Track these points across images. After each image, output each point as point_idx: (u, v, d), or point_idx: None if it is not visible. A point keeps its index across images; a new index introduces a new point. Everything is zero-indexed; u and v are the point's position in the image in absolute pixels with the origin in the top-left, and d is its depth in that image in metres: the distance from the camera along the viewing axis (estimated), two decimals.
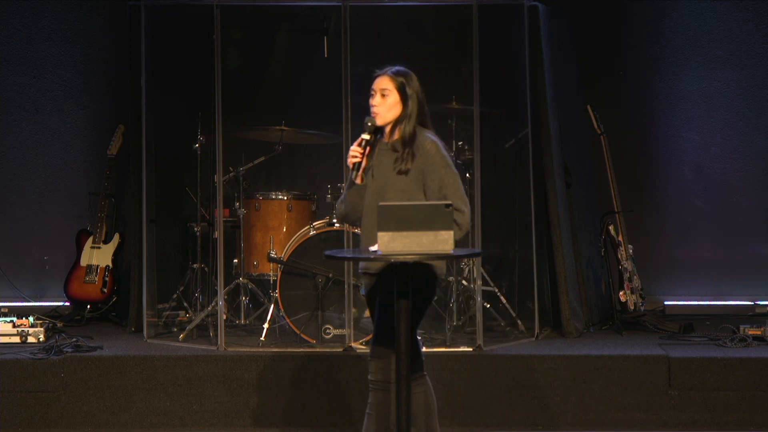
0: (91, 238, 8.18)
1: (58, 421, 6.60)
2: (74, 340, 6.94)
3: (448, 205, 4.74)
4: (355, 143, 5.09)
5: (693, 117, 8.51)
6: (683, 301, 8.43)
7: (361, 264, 5.17)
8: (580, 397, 6.57)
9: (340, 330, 7.00)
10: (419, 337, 6.92)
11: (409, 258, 4.73)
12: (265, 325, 7.09)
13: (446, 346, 6.93)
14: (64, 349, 6.77)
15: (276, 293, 7.15)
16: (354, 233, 6.85)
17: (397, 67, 5.14)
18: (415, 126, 5.07)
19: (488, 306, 7.38)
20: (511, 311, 7.48)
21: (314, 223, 7.20)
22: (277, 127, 7.54)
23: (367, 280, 5.17)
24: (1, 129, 8.56)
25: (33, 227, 8.60)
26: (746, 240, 8.51)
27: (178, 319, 7.72)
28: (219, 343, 6.91)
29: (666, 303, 8.38)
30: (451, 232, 4.71)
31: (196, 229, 7.68)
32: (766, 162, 8.48)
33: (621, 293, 7.65)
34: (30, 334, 7.12)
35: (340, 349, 6.83)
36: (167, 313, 7.72)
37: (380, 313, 5.04)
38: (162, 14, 7.43)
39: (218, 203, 7.18)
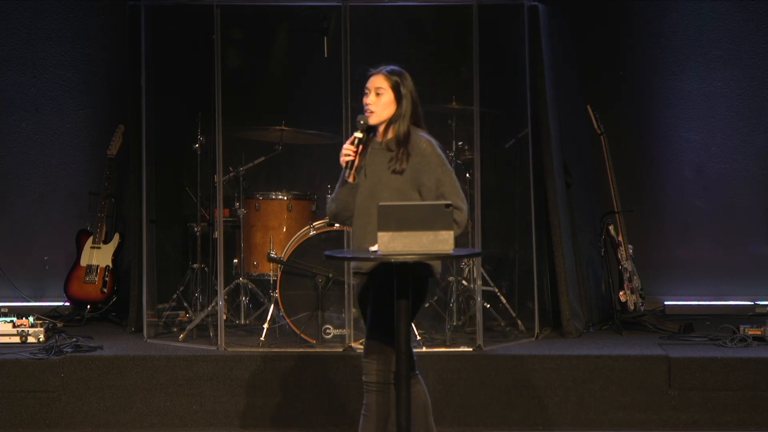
0: (91, 238, 8.18)
1: (58, 421, 6.60)
2: (74, 340, 6.94)
3: (448, 205, 4.74)
4: (348, 141, 5.08)
5: (693, 117, 8.51)
6: (683, 301, 8.43)
7: (353, 263, 5.17)
8: (580, 397, 6.57)
9: (340, 330, 7.00)
10: (418, 337, 6.93)
11: (409, 258, 4.73)
12: (265, 325, 7.09)
13: (446, 346, 6.93)
14: (64, 349, 6.77)
15: (276, 293, 7.15)
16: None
17: (392, 66, 5.14)
18: (409, 125, 5.07)
19: (488, 306, 7.38)
20: (511, 311, 7.48)
21: (314, 223, 7.20)
22: (277, 127, 7.54)
23: (358, 279, 5.16)
24: (1, 129, 8.56)
25: (33, 227, 8.60)
26: (746, 240, 8.51)
27: (178, 319, 7.72)
28: (219, 343, 6.91)
29: (666, 303, 8.38)
30: (452, 232, 4.71)
31: (196, 229, 7.68)
32: (766, 162, 8.48)
33: (621, 293, 7.65)
34: (30, 334, 7.12)
35: (340, 349, 6.83)
36: (167, 313, 7.72)
37: (373, 313, 5.03)
38: (162, 14, 7.43)
39: (218, 203, 7.18)
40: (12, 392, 6.59)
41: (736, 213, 8.51)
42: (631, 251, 7.76)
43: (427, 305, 7.54)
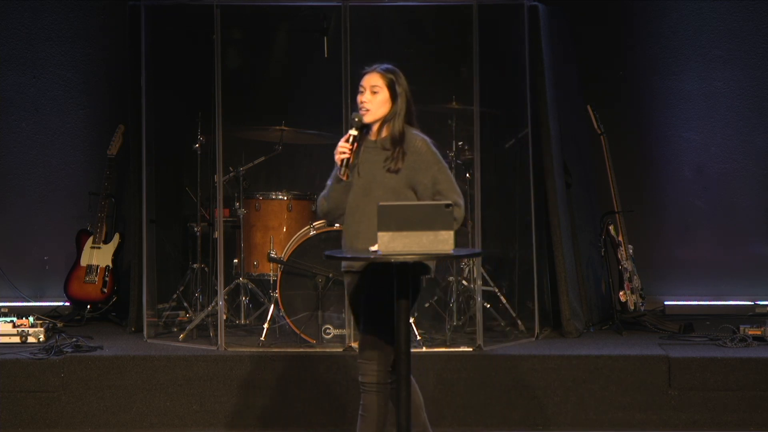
0: (91, 238, 8.18)
1: (58, 421, 6.60)
2: (74, 340, 6.94)
3: (448, 205, 4.74)
4: (343, 139, 5.07)
5: (693, 117, 8.51)
6: (683, 301, 8.43)
7: (343, 262, 5.16)
8: (580, 397, 6.57)
9: (340, 330, 7.00)
10: (418, 337, 6.93)
11: (409, 258, 4.72)
12: (265, 325, 7.09)
13: (446, 346, 6.92)
14: (64, 349, 6.77)
15: (276, 293, 7.15)
16: None
17: (386, 65, 5.14)
18: (403, 124, 5.08)
19: (488, 306, 7.37)
20: (511, 311, 7.48)
21: (314, 223, 7.20)
22: (277, 127, 7.54)
23: (349, 278, 5.15)
24: (1, 129, 8.56)
25: (33, 227, 8.60)
26: (746, 240, 8.51)
27: (178, 319, 7.72)
28: (219, 343, 6.91)
29: (666, 303, 8.38)
30: (452, 232, 4.71)
31: (196, 229, 7.68)
32: (766, 162, 8.48)
33: (621, 293, 7.65)
34: (30, 334, 7.12)
35: (340, 349, 6.83)
36: (167, 313, 7.72)
37: (368, 313, 5.01)
38: (162, 14, 7.43)
39: (218, 203, 7.18)
40: (12, 392, 6.59)
41: (736, 213, 8.51)
42: (631, 251, 7.76)
43: (427, 305, 7.56)
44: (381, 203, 4.75)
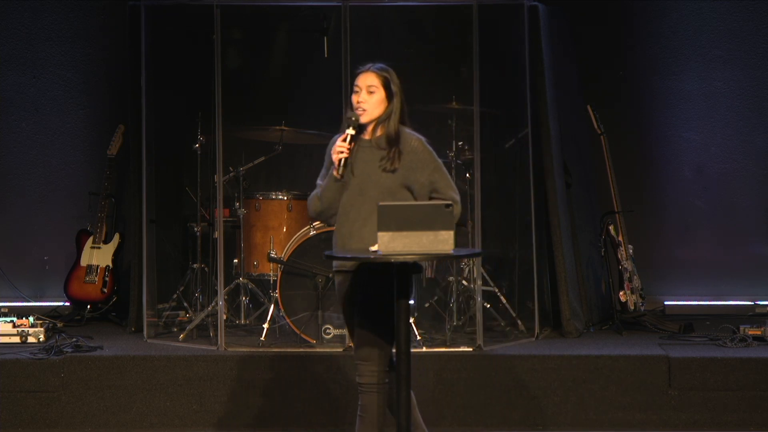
0: (91, 238, 8.18)
1: (58, 421, 6.60)
2: (74, 340, 6.94)
3: (448, 205, 4.74)
4: (340, 138, 5.06)
5: (693, 117, 8.51)
6: (683, 301, 8.43)
7: (335, 262, 5.16)
8: (580, 397, 6.57)
9: (340, 330, 7.00)
10: (418, 337, 6.93)
11: (409, 258, 4.72)
12: (265, 325, 7.09)
13: (446, 346, 6.92)
14: (64, 349, 6.77)
15: (276, 293, 7.15)
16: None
17: (380, 64, 5.13)
18: (398, 123, 5.08)
19: (488, 306, 7.37)
20: (511, 311, 7.48)
21: (314, 223, 7.20)
22: (277, 127, 7.54)
23: (340, 278, 5.14)
24: (1, 129, 8.56)
25: (33, 227, 8.60)
26: (746, 240, 8.51)
27: (178, 319, 7.72)
28: (219, 343, 6.91)
29: (666, 303, 8.38)
30: (452, 232, 4.71)
31: (196, 229, 7.68)
32: (766, 162, 8.48)
33: (621, 293, 7.65)
34: (30, 334, 7.12)
35: (340, 349, 6.83)
36: (167, 313, 7.72)
37: (364, 313, 5.00)
38: (162, 14, 7.43)
39: (218, 203, 7.18)
40: (12, 392, 6.59)
41: (736, 213, 8.51)
42: (631, 251, 7.76)
43: (427, 305, 7.56)
44: (381, 203, 4.75)
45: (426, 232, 4.69)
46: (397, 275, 4.82)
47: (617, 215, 7.80)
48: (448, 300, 7.45)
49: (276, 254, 7.27)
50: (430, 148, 5.09)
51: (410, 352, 4.87)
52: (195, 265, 7.69)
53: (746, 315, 8.15)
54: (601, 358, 6.64)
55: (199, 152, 7.61)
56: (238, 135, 7.60)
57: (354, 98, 5.09)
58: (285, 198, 7.49)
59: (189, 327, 7.30)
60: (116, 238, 8.20)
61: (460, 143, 7.55)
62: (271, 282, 7.39)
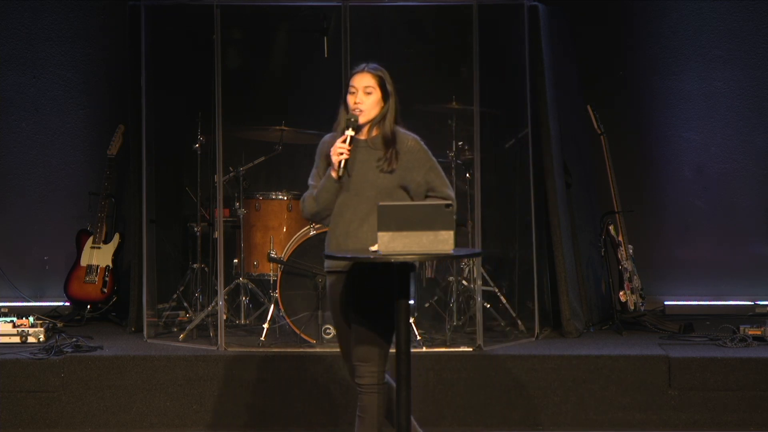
0: (91, 238, 8.18)
1: (58, 421, 6.60)
2: (74, 340, 6.94)
3: (448, 205, 4.74)
4: (339, 140, 5.04)
5: (693, 117, 8.51)
6: (683, 301, 8.43)
7: (326, 262, 5.15)
8: (580, 397, 6.57)
9: None
10: (418, 337, 6.93)
11: (409, 258, 4.72)
12: (265, 325, 7.09)
13: (446, 346, 6.92)
14: (64, 349, 6.77)
15: (276, 293, 7.15)
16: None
17: (374, 64, 5.13)
18: (393, 123, 5.08)
19: (488, 306, 7.37)
20: (511, 311, 7.48)
21: (314, 224, 7.20)
22: (277, 127, 7.54)
23: (333, 278, 5.12)
24: (1, 129, 8.56)
25: (33, 227, 8.60)
26: (746, 240, 8.51)
27: (178, 319, 7.72)
28: (219, 343, 6.91)
29: (666, 303, 8.38)
30: (452, 232, 4.71)
31: (196, 229, 7.68)
32: (766, 162, 8.48)
33: (621, 293, 7.65)
34: (30, 334, 7.12)
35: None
36: (167, 313, 7.72)
37: (361, 315, 4.98)
38: (162, 14, 7.43)
39: (218, 203, 7.18)
40: (12, 392, 6.59)
41: (736, 213, 8.50)
42: (631, 251, 7.76)
43: (427, 305, 7.56)
44: (381, 203, 4.75)
45: (426, 232, 4.69)
46: (397, 275, 4.82)
47: (617, 215, 7.80)
48: (448, 300, 7.45)
49: (276, 254, 7.27)
50: (426, 147, 5.10)
51: (410, 352, 4.87)
52: (195, 265, 7.69)
53: (746, 315, 8.15)
54: (601, 358, 6.64)
55: (199, 152, 7.61)
56: (238, 135, 7.59)
57: (351, 99, 5.08)
58: (285, 198, 7.49)
59: (189, 327, 7.30)
60: (116, 238, 8.20)
61: (460, 143, 7.55)
62: (271, 282, 7.38)
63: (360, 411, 5.04)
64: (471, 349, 6.84)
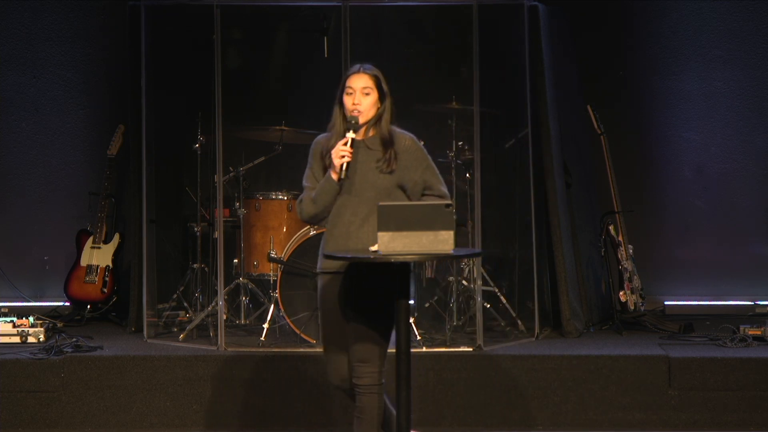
0: (91, 238, 8.18)
1: (58, 421, 6.60)
2: (74, 340, 6.94)
3: (448, 205, 4.74)
4: (341, 143, 5.03)
5: (693, 117, 8.51)
6: (683, 301, 8.43)
7: (319, 263, 5.15)
8: (580, 397, 6.57)
9: None
10: (418, 337, 6.93)
11: (409, 258, 4.72)
12: (265, 325, 7.09)
13: (446, 346, 6.92)
14: (64, 349, 6.77)
15: (276, 293, 7.15)
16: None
17: (368, 65, 5.13)
18: (389, 123, 5.09)
19: (488, 306, 7.37)
20: (511, 311, 7.48)
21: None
22: (277, 127, 7.54)
23: (326, 279, 5.11)
24: (1, 129, 8.56)
25: (33, 227, 8.60)
26: (746, 240, 8.51)
27: (178, 319, 7.72)
28: (219, 343, 6.91)
29: (666, 303, 8.38)
30: (452, 232, 4.71)
31: (196, 229, 7.68)
32: (766, 162, 8.48)
33: (621, 293, 7.65)
34: (30, 334, 7.12)
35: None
36: (167, 313, 7.72)
37: (359, 315, 4.99)
38: (162, 14, 7.43)
39: (218, 203, 7.18)
40: (12, 392, 6.59)
41: (736, 213, 8.50)
42: (631, 251, 7.76)
43: (427, 305, 7.56)
44: (381, 203, 4.75)
45: (426, 232, 4.69)
46: (397, 275, 4.82)
47: (617, 215, 7.80)
48: (448, 300, 7.45)
49: (276, 254, 7.27)
50: (421, 145, 5.11)
51: (410, 352, 4.88)
52: (195, 265, 7.69)
53: (746, 315, 8.15)
54: (601, 358, 6.64)
55: (199, 152, 7.61)
56: (238, 135, 7.59)
57: (349, 100, 5.06)
58: (285, 198, 7.49)
59: (189, 327, 7.30)
60: (116, 238, 8.20)
61: (460, 143, 7.55)
62: (271, 282, 7.39)
63: (358, 412, 5.04)
64: (471, 349, 6.84)
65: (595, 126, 7.85)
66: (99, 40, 8.55)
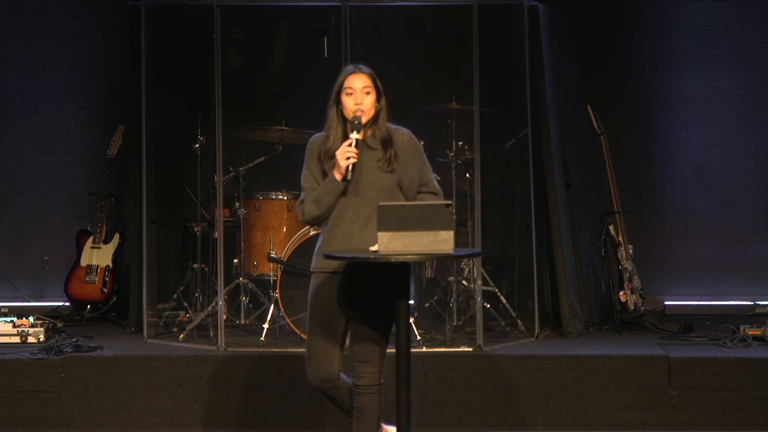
0: (91, 238, 8.18)
1: (58, 421, 6.60)
2: (74, 340, 6.94)
3: (448, 205, 4.74)
4: (346, 144, 5.01)
5: (693, 117, 8.51)
6: (683, 301, 8.43)
7: (315, 263, 5.14)
8: (580, 397, 6.57)
9: None
10: (418, 337, 6.93)
11: (409, 258, 4.72)
12: (265, 325, 7.09)
13: (446, 346, 6.92)
14: (64, 349, 6.77)
15: (276, 293, 7.15)
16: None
17: (363, 65, 5.13)
18: (386, 122, 5.09)
19: (488, 306, 7.37)
20: (511, 311, 7.48)
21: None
22: (277, 127, 7.54)
23: (322, 279, 5.11)
24: (1, 129, 8.56)
25: (33, 227, 8.60)
26: (746, 240, 8.51)
27: (178, 319, 7.72)
28: (219, 343, 6.91)
29: (666, 303, 8.38)
30: (452, 232, 4.71)
31: (196, 229, 7.68)
32: (766, 162, 8.48)
33: (621, 293, 7.65)
34: (30, 334, 7.12)
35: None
36: (167, 313, 7.72)
37: (358, 315, 4.99)
38: (162, 14, 7.43)
39: (218, 203, 7.18)
40: (12, 392, 6.59)
41: (736, 213, 8.50)
42: (631, 251, 7.76)
43: (427, 305, 7.56)
44: (381, 203, 4.75)
45: (426, 232, 4.69)
46: (397, 275, 4.82)
47: (617, 215, 7.80)
48: (448, 300, 7.45)
49: (276, 254, 7.27)
50: (417, 140, 5.12)
51: (410, 352, 4.88)
52: (195, 265, 7.69)
53: (746, 315, 8.15)
54: (601, 358, 6.64)
55: (199, 152, 7.61)
56: (238, 135, 7.59)
57: (350, 100, 5.04)
58: (285, 198, 7.49)
59: (189, 327, 7.30)
60: (116, 238, 8.20)
61: (460, 143, 7.55)
62: (271, 282, 7.38)
63: (358, 412, 5.04)
64: (471, 349, 6.84)
65: (595, 126, 7.85)
66: (99, 40, 8.55)
